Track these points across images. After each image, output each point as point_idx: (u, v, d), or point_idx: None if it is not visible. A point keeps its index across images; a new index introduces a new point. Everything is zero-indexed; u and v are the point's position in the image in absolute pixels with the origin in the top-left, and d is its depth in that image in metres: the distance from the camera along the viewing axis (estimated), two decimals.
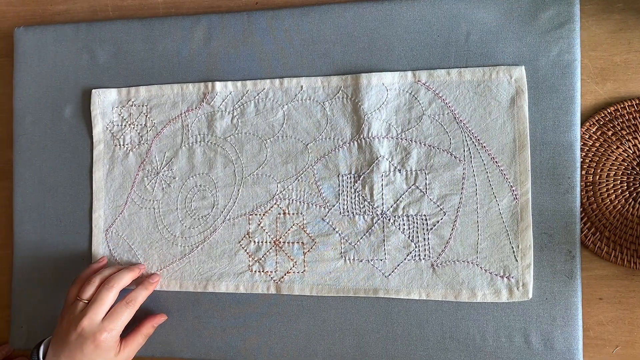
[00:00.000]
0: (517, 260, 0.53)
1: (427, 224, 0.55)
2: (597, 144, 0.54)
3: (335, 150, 0.57)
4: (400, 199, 0.55)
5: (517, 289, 0.53)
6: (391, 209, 0.55)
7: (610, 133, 0.53)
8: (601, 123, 0.54)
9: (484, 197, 0.54)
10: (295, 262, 0.57)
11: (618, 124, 0.53)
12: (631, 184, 0.53)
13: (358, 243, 0.56)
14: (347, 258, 0.56)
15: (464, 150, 0.54)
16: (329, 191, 0.57)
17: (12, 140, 0.64)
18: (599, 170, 0.54)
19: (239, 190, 0.58)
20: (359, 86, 0.56)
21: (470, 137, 0.54)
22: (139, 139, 0.61)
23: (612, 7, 0.54)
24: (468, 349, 0.54)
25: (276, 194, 0.58)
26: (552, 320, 0.52)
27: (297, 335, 0.57)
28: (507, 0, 0.54)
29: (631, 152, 0.53)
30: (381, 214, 0.55)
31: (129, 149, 0.61)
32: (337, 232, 0.56)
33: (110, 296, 0.53)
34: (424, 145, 0.55)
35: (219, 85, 0.59)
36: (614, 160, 0.53)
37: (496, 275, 0.53)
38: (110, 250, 0.60)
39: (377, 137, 0.56)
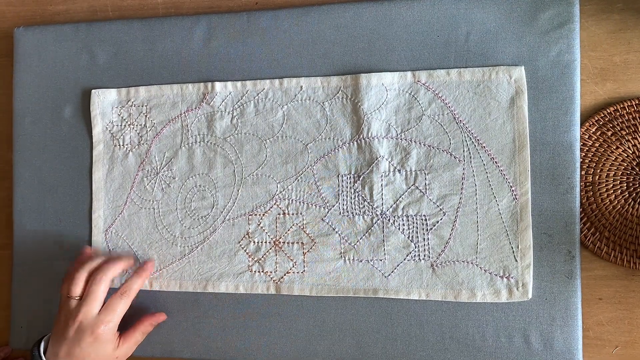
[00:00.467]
0: (516, 261, 0.53)
1: (426, 224, 0.55)
2: (596, 144, 0.54)
3: (335, 150, 0.57)
4: (400, 199, 0.55)
5: (517, 289, 0.53)
6: (391, 209, 0.55)
7: (609, 133, 0.53)
8: (601, 123, 0.54)
9: (483, 197, 0.54)
10: (295, 262, 0.57)
11: (618, 124, 0.53)
12: (631, 184, 0.53)
13: (358, 243, 0.56)
14: (346, 258, 0.56)
15: (463, 151, 0.54)
16: (328, 191, 0.57)
17: (12, 140, 0.64)
18: (598, 171, 0.54)
19: (238, 191, 0.58)
20: (359, 86, 0.56)
21: (470, 138, 0.54)
22: (139, 139, 0.61)
23: (612, 8, 0.54)
24: (468, 349, 0.54)
25: (276, 194, 0.58)
26: (551, 321, 0.52)
27: (297, 335, 0.57)
28: (507, 1, 0.54)
29: (631, 152, 0.53)
30: (381, 214, 0.55)
31: (128, 149, 0.61)
32: (336, 232, 0.56)
33: (100, 289, 0.53)
34: (424, 145, 0.55)
35: (218, 85, 0.59)
36: (613, 161, 0.53)
37: (496, 275, 0.53)
38: (110, 250, 0.61)
39: (377, 138, 0.56)
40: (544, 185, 0.53)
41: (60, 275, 0.61)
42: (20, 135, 0.63)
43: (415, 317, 0.55)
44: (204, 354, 0.58)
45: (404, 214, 0.55)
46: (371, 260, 0.55)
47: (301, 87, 0.57)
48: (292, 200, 0.57)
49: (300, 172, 0.57)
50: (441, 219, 0.54)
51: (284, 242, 0.57)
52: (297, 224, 0.57)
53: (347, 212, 0.56)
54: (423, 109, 0.55)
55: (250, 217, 0.58)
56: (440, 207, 0.54)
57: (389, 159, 0.55)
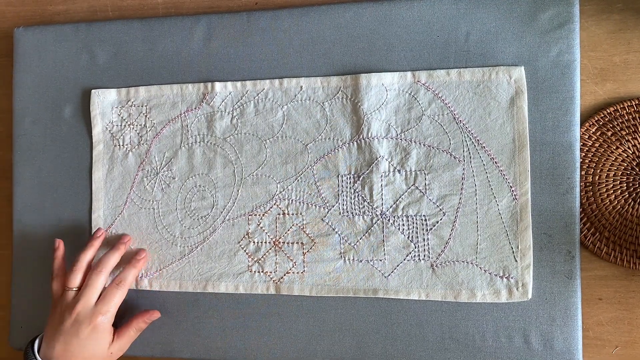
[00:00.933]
0: (516, 261, 0.53)
1: (426, 224, 0.55)
2: (596, 145, 0.54)
3: (335, 150, 0.57)
4: (400, 199, 0.55)
5: (517, 289, 0.53)
6: (391, 210, 0.55)
7: (609, 133, 0.53)
8: (601, 123, 0.54)
9: (483, 198, 0.54)
10: (295, 262, 0.57)
11: (617, 125, 0.53)
12: (631, 185, 0.53)
13: (357, 243, 0.56)
14: (346, 258, 0.56)
15: (463, 151, 0.54)
16: (328, 191, 0.57)
17: (12, 140, 0.64)
18: (598, 171, 0.54)
19: (238, 191, 0.58)
20: (359, 86, 0.56)
21: (470, 138, 0.54)
22: (139, 139, 0.61)
23: (612, 8, 0.54)
24: (467, 349, 0.54)
25: (276, 194, 0.58)
26: (551, 321, 0.52)
27: (296, 336, 0.57)
28: (506, 1, 0.54)
29: (631, 152, 0.53)
30: (381, 214, 0.55)
31: (128, 149, 0.61)
32: (336, 232, 0.56)
33: (100, 280, 0.54)
34: (424, 145, 0.55)
35: (218, 85, 0.59)
36: (613, 161, 0.53)
37: (496, 275, 0.53)
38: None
39: (377, 138, 0.56)
40: (544, 185, 0.53)
41: None
42: (20, 135, 0.63)
43: (415, 317, 0.55)
44: (204, 354, 0.58)
45: (404, 214, 0.55)
46: (371, 261, 0.55)
47: (301, 87, 0.57)
48: (292, 201, 0.57)
49: (300, 172, 0.57)
50: (441, 219, 0.54)
51: (283, 242, 0.57)
52: (297, 224, 0.57)
53: (347, 212, 0.56)
54: (423, 109, 0.55)
55: (250, 217, 0.58)
56: (440, 207, 0.54)
57: (389, 159, 0.55)
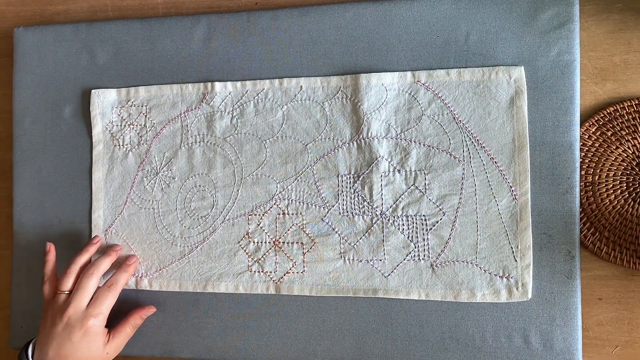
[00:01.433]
0: (516, 261, 0.53)
1: (426, 224, 0.55)
2: (596, 144, 0.54)
3: (335, 150, 0.57)
4: (400, 199, 0.55)
5: (517, 289, 0.53)
6: (390, 209, 0.55)
7: (609, 133, 0.53)
8: (600, 123, 0.54)
9: (483, 198, 0.54)
10: (295, 262, 0.57)
11: (617, 124, 0.53)
12: (630, 184, 0.53)
13: (357, 243, 0.56)
14: (346, 258, 0.56)
15: (463, 151, 0.54)
16: (328, 191, 0.57)
17: (12, 140, 0.64)
18: (598, 171, 0.54)
19: (238, 191, 0.58)
20: (359, 86, 0.56)
21: (470, 138, 0.54)
22: (139, 139, 0.61)
23: (612, 8, 0.54)
24: (467, 349, 0.54)
25: (275, 194, 0.58)
26: (551, 321, 0.52)
27: (296, 335, 0.57)
28: (506, 1, 0.54)
29: (631, 152, 0.53)
30: (380, 214, 0.55)
31: (128, 149, 0.61)
32: (336, 232, 0.56)
33: (92, 283, 0.54)
34: (424, 145, 0.55)
35: (218, 85, 0.59)
36: (613, 161, 0.53)
37: (495, 275, 0.53)
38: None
39: (377, 138, 0.56)
40: (544, 185, 0.53)
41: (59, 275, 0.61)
42: (20, 135, 0.63)
43: (415, 317, 0.55)
44: (204, 354, 0.58)
45: (404, 214, 0.55)
46: (371, 260, 0.55)
47: (301, 87, 0.57)
48: (291, 200, 0.57)
49: (300, 172, 0.57)
50: (441, 219, 0.54)
51: (283, 242, 0.57)
52: (296, 224, 0.57)
53: (347, 212, 0.56)
54: (423, 109, 0.55)
55: (250, 217, 0.58)
56: (440, 207, 0.54)
57: (389, 159, 0.55)
